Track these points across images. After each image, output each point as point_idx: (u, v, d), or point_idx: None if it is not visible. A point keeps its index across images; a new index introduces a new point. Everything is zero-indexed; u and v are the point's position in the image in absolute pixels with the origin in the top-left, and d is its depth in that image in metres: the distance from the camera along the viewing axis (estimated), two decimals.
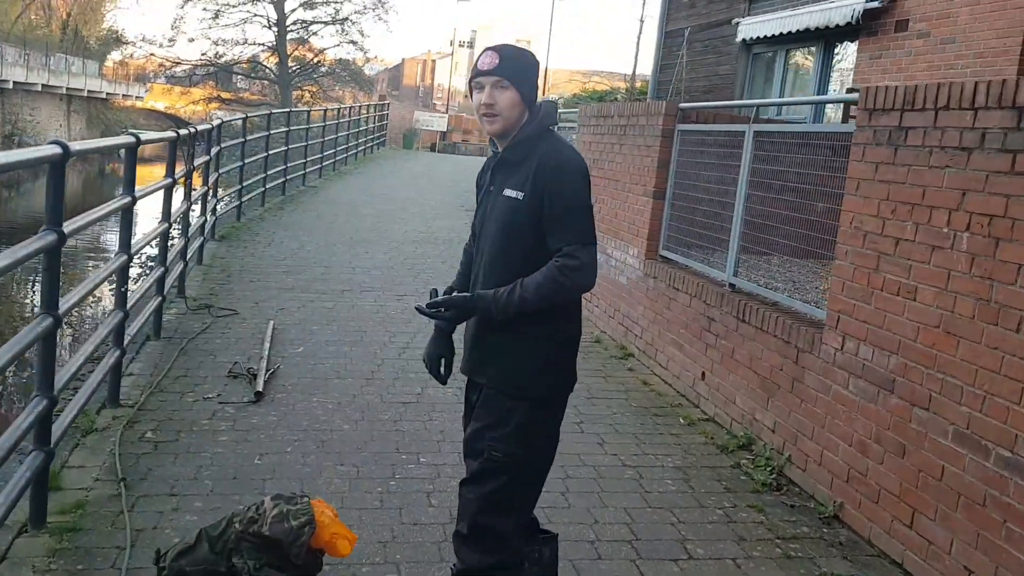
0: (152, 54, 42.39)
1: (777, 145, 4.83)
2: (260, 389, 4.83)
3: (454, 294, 2.43)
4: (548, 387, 2.40)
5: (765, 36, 10.03)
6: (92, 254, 18.39)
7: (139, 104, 49.63)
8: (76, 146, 3.26)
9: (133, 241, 4.62)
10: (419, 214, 13.28)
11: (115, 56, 49.09)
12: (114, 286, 4.67)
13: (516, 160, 2.39)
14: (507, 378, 2.38)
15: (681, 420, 4.93)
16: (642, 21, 24.52)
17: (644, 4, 21.93)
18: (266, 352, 5.52)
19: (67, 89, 37.59)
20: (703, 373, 5.13)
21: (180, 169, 6.61)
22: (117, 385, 4.57)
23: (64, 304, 3.25)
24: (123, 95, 47.42)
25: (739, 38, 10.54)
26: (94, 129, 40.88)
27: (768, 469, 4.17)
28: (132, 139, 4.37)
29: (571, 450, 4.31)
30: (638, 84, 20.95)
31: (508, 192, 2.37)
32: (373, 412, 4.70)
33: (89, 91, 40.76)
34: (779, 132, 4.94)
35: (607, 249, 6.98)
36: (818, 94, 9.26)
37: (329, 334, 6.28)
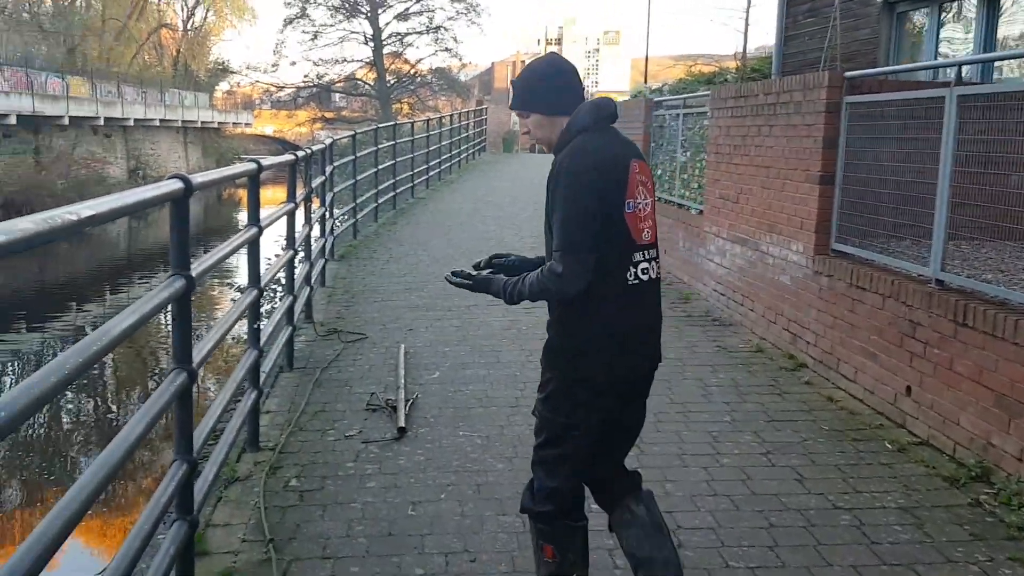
0: (257, 81, 43.76)
1: (991, 110, 4.03)
2: (402, 424, 4.41)
3: (481, 272, 2.66)
4: (575, 369, 2.47)
5: None
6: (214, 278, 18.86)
7: (247, 130, 51.52)
8: (198, 179, 2.89)
9: (261, 271, 4.28)
10: (531, 219, 12.79)
11: (223, 86, 51.12)
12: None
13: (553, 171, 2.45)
14: (546, 357, 2.58)
15: (888, 445, 4.20)
16: None
17: None
18: (402, 381, 5.11)
19: (182, 122, 39.35)
20: (908, 388, 4.38)
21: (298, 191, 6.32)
22: (256, 427, 4.24)
23: (198, 355, 2.88)
24: (232, 123, 49.34)
25: None
26: (209, 157, 42.63)
27: (1020, 508, 3.41)
28: (254, 166, 4.02)
29: (765, 489, 3.68)
30: (749, 62, 19.83)
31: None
32: (526, 447, 4.15)
33: (202, 122, 42.60)
34: (994, 94, 4.13)
35: (760, 246, 6.27)
36: (985, 52, 8.19)
37: (463, 356, 5.83)
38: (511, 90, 2.58)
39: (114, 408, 9.78)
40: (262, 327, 4.28)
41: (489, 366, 5.54)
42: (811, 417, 4.60)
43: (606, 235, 2.35)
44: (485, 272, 2.66)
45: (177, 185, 2.65)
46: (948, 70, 8.25)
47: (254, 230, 4.03)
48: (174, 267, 2.73)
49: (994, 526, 3.34)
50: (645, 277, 2.44)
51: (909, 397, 4.36)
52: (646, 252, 2.44)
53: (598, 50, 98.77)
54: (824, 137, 5.32)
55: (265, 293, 10.23)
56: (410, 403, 4.75)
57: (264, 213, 4.34)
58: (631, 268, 2.41)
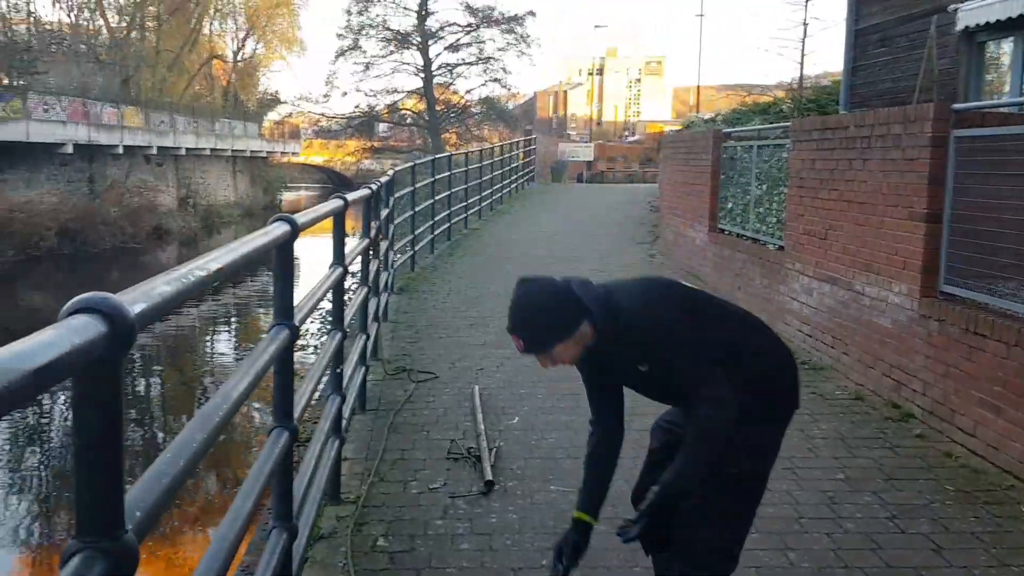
0: (309, 111, 44.31)
1: None
2: (490, 477, 4.14)
3: (643, 508, 2.38)
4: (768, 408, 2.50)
5: (995, 21, 8.66)
6: (257, 301, 18.89)
7: (294, 159, 52.21)
8: (301, 219, 2.70)
9: (344, 313, 4.08)
10: (589, 250, 12.56)
11: (272, 116, 51.99)
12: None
13: (614, 350, 2.41)
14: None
15: None
16: (806, 24, 22.83)
17: (807, 5, 20.33)
18: (481, 428, 4.86)
19: (232, 151, 39.95)
20: None
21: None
22: (338, 477, 4.02)
23: (297, 410, 2.66)
24: (280, 152, 50.05)
25: (959, 27, 9.19)
26: (256, 186, 43.19)
27: None
28: (341, 203, 3.84)
29: (902, 561, 3.34)
30: (805, 93, 19.45)
31: (640, 367, 2.41)
32: (626, 505, 3.88)
33: (251, 151, 43.21)
34: None
35: (854, 285, 5.92)
36: None
37: (540, 399, 5.56)
38: (519, 340, 2.38)
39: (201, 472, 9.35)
40: (343, 370, 4.07)
41: (570, 411, 5.26)
42: (932, 475, 4.23)
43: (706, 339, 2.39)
44: (645, 506, 2.38)
45: (285, 228, 2.44)
46: None
47: (340, 270, 3.84)
48: (277, 316, 2.53)
49: None
50: None
51: None
52: None
53: (639, 80, 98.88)
54: (930, 173, 5.00)
55: (322, 325, 10.01)
56: (494, 452, 4.49)
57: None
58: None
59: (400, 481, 4.19)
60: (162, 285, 1.42)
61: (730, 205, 9.20)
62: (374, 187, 5.70)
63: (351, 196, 4.22)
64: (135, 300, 1.21)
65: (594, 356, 2.44)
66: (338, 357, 3.93)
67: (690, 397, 2.31)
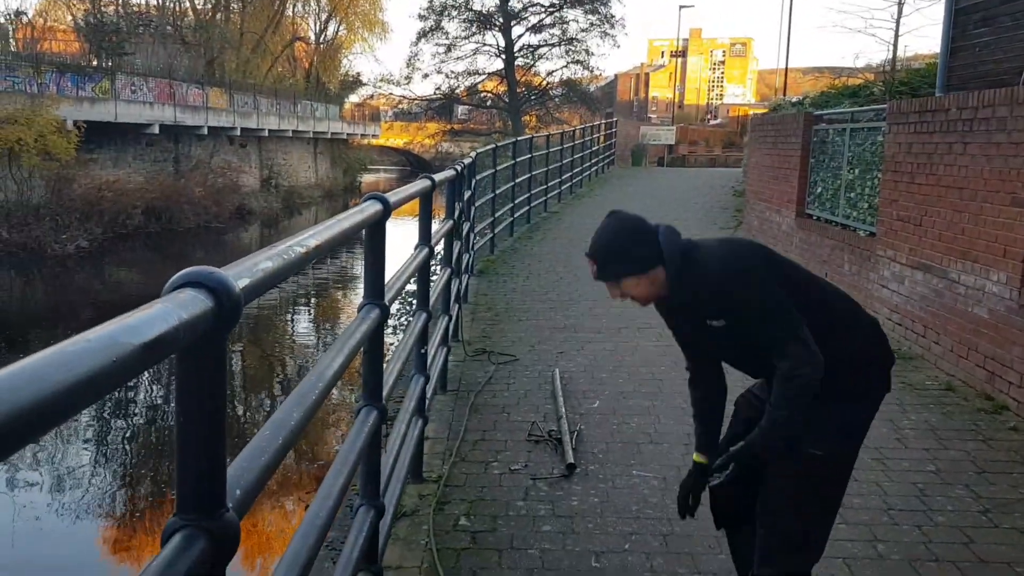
0: (390, 93, 44.70)
1: None
2: (571, 460, 4.18)
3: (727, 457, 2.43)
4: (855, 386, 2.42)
5: None
6: (336, 283, 19.34)
7: (374, 141, 52.90)
8: (393, 198, 2.75)
9: (430, 293, 4.16)
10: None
11: (353, 98, 52.64)
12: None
13: (688, 301, 2.39)
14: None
15: None
16: (901, 2, 21.86)
17: None
18: (562, 411, 4.89)
19: (313, 133, 40.64)
20: None
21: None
22: (420, 456, 4.11)
23: (385, 389, 2.74)
24: (360, 134, 50.70)
25: None
26: (337, 168, 43.94)
27: None
28: (429, 183, 3.91)
29: (996, 555, 3.23)
30: (898, 75, 18.66)
31: (712, 323, 2.37)
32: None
33: (332, 133, 43.80)
34: None
35: (949, 273, 5.70)
36: None
37: (621, 383, 5.56)
38: (593, 263, 2.42)
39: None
40: (428, 351, 4.16)
41: (652, 396, 5.25)
42: None
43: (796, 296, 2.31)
44: (727, 457, 2.43)
45: (377, 207, 2.50)
46: None
47: (426, 251, 3.91)
48: (368, 295, 2.60)
49: None
50: None
51: None
52: None
53: (723, 62, 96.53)
54: None
55: (402, 306, 10.19)
56: (575, 435, 4.53)
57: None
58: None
59: (481, 461, 4.26)
60: (265, 261, 1.46)
61: (819, 190, 8.95)
62: (459, 168, 5.76)
63: (438, 177, 4.29)
64: (240, 275, 1.20)
65: (673, 307, 2.47)
66: (423, 338, 4.02)
67: (775, 354, 2.23)
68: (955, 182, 5.68)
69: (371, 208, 2.48)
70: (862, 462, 4.15)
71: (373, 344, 2.62)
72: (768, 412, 2.27)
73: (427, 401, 4.29)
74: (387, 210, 2.57)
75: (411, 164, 52.50)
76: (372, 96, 49.02)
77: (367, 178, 49.86)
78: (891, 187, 6.73)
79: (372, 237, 2.62)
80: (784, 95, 25.27)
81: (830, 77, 22.81)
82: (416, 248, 3.95)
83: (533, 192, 14.01)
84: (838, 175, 8.26)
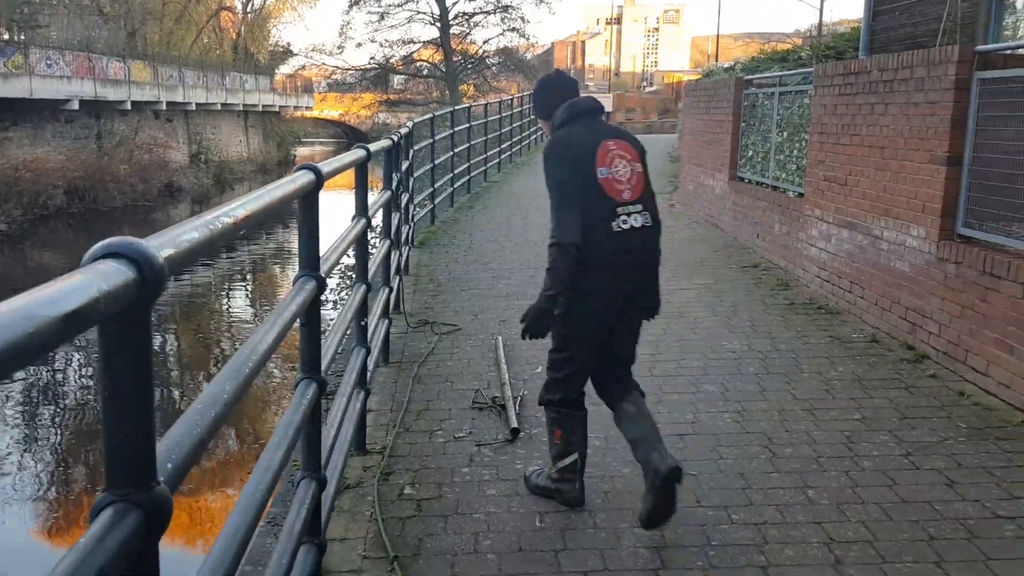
0: (323, 63, 43.75)
1: None
2: (515, 425, 4.25)
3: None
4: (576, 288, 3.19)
5: None
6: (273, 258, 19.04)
7: (308, 114, 51.74)
8: (325, 168, 2.74)
9: (368, 265, 4.15)
10: None
11: (284, 69, 51.28)
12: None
13: None
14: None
15: None
16: None
17: None
18: (506, 377, 4.95)
19: (243, 106, 39.41)
20: None
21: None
22: (363, 428, 4.13)
23: (324, 362, 2.74)
24: (293, 106, 49.46)
25: None
26: (270, 141, 42.86)
27: None
28: (364, 153, 3.89)
29: (917, 496, 3.41)
30: (824, 40, 19.05)
31: None
32: (614, 453, 3.97)
33: (263, 106, 42.54)
34: None
35: (873, 230, 5.91)
36: None
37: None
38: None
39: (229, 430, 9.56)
40: (368, 323, 4.16)
41: None
42: (945, 414, 4.29)
43: (587, 196, 3.14)
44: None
45: (310, 177, 2.48)
46: None
47: (363, 222, 3.90)
48: (303, 267, 2.59)
49: None
50: (627, 226, 3.16)
51: None
52: (630, 206, 3.20)
53: (657, 29, 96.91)
54: (952, 116, 4.95)
55: (341, 281, 10.10)
56: (518, 401, 4.60)
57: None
58: (615, 219, 3.15)
59: (425, 431, 4.30)
60: (190, 231, 1.44)
61: (750, 153, 9.14)
62: (395, 138, 5.72)
63: (374, 147, 4.26)
64: (163, 245, 1.17)
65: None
66: (362, 310, 4.02)
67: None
68: (877, 142, 5.88)
69: (303, 178, 2.46)
70: (793, 413, 4.34)
71: (310, 316, 2.61)
72: (546, 273, 3.15)
73: (369, 373, 4.30)
74: (319, 180, 2.55)
75: (347, 136, 51.54)
76: (304, 67, 47.85)
77: (302, 151, 48.82)
78: (817, 148, 6.92)
79: (305, 208, 2.61)
80: (716, 61, 25.55)
81: (760, 43, 23.14)
82: (353, 219, 3.93)
83: (473, 162, 13.98)
84: (768, 138, 8.44)
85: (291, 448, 2.24)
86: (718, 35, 29.68)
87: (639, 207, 3.21)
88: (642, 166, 3.30)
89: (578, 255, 3.08)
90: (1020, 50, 5.55)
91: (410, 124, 8.96)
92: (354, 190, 4.04)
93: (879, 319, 5.80)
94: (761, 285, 7.31)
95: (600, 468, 3.78)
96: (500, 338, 5.77)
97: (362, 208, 3.97)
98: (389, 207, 5.48)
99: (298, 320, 2.56)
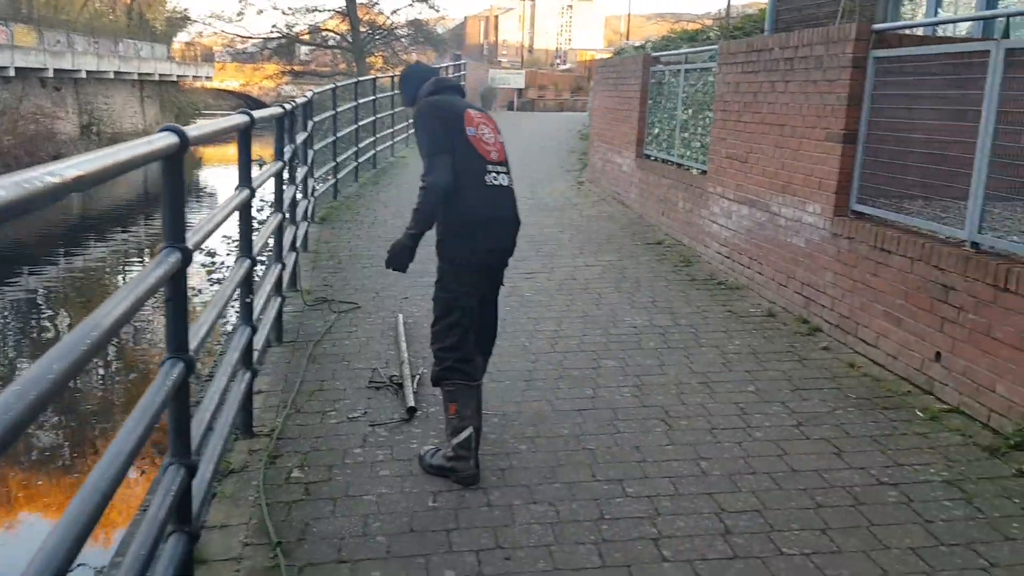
0: (222, 31, 42.05)
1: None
2: (412, 403, 4.12)
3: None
4: (449, 252, 3.44)
5: None
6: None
7: (208, 84, 49.71)
8: (193, 132, 2.53)
9: (253, 239, 3.93)
10: (520, 180, 12.42)
11: (182, 37, 49.14)
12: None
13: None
14: (436, 251, 3.53)
15: (919, 413, 4.01)
16: None
17: None
18: (405, 355, 4.81)
19: (139, 74, 37.50)
20: (937, 354, 4.17)
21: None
22: (249, 411, 3.92)
23: (195, 341, 2.55)
24: (192, 76, 47.30)
25: None
26: (167, 112, 40.95)
27: None
28: (247, 119, 3.65)
29: (804, 465, 3.47)
30: (732, 21, 19.41)
31: None
32: (547, 425, 3.93)
33: (160, 75, 40.51)
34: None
35: (771, 207, 6.01)
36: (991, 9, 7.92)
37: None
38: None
39: (90, 407, 9.10)
40: (254, 301, 3.94)
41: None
42: (836, 385, 4.39)
43: (458, 149, 3.31)
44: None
45: (171, 139, 2.27)
46: (956, 27, 7.96)
47: (246, 192, 3.68)
48: (167, 239, 2.38)
49: None
50: (497, 183, 3.38)
51: (938, 363, 4.16)
52: (497, 167, 3.41)
53: (571, 7, 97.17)
54: (849, 94, 5.03)
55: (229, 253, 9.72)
56: (416, 379, 4.46)
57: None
58: (486, 174, 3.35)
59: (318, 412, 4.13)
60: None
61: (657, 131, 9.19)
62: (287, 107, 5.45)
63: (259, 113, 4.02)
64: None
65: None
66: (247, 286, 3.81)
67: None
68: (777, 119, 5.96)
69: (163, 140, 2.25)
70: (690, 386, 4.36)
71: (174, 292, 2.41)
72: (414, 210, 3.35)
73: (257, 353, 4.10)
74: (184, 144, 2.34)
75: (250, 108, 49.74)
76: (202, 34, 45.87)
77: (202, 123, 46.86)
78: (720, 126, 6.98)
79: (168, 173, 2.39)
80: (628, 40, 25.76)
81: (671, 22, 23.43)
82: (236, 190, 3.70)
83: (379, 136, 13.65)
84: (674, 116, 8.50)
85: (148, 432, 2.06)
86: (629, 14, 29.96)
87: (505, 169, 3.45)
88: (502, 138, 3.56)
89: (446, 198, 3.28)
90: (917, 29, 5.72)
91: (309, 94, 8.65)
92: (237, 158, 3.82)
93: (776, 294, 5.91)
94: (665, 261, 7.37)
95: (496, 445, 3.70)
96: (401, 316, 5.62)
97: (245, 178, 3.74)
98: (281, 179, 5.23)
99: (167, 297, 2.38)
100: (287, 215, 5.28)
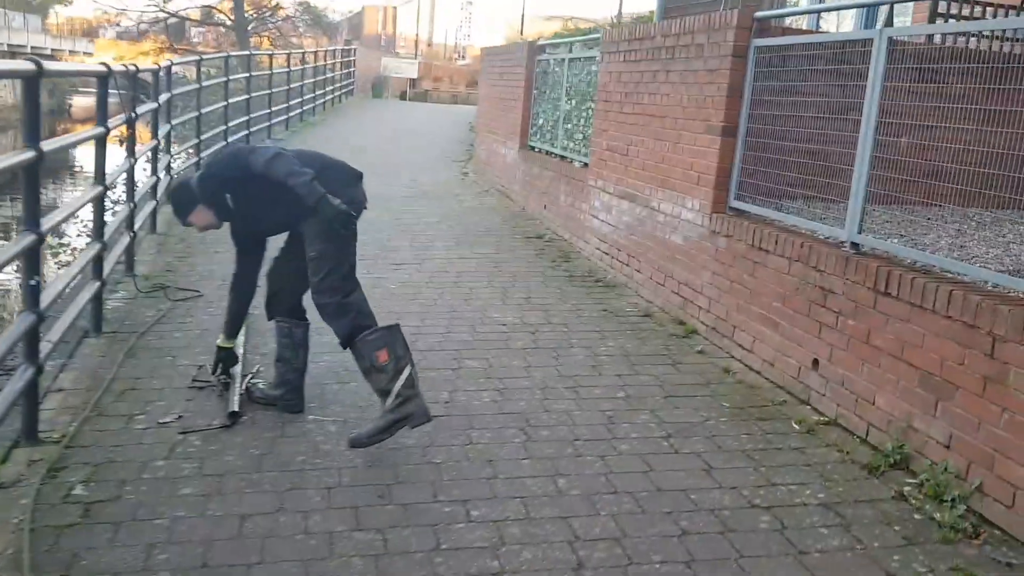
0: (100, 9, 39.60)
1: (926, 55, 3.58)
2: (235, 408, 3.56)
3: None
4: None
5: None
6: None
7: (87, 59, 46.79)
8: (51, 66, 2.02)
9: (38, 208, 3.29)
10: (403, 167, 11.90)
11: (61, 10, 46.18)
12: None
13: (222, 209, 3.54)
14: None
15: (795, 426, 3.75)
16: None
17: None
18: (240, 351, 4.23)
19: (8, 46, 35.05)
20: (815, 361, 3.95)
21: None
22: (34, 413, 3.28)
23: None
24: (69, 51, 44.75)
25: None
26: (42, 88, 38.20)
27: (949, 504, 3.01)
28: (31, 67, 3.02)
29: (673, 483, 3.13)
30: (625, 21, 19.46)
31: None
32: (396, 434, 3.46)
33: (32, 47, 38.18)
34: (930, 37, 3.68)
35: (650, 202, 5.74)
36: None
37: (315, 318, 4.97)
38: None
39: None
40: (42, 283, 3.30)
41: None
42: (709, 392, 4.11)
43: None
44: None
45: (30, 66, 1.69)
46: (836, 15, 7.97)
47: (32, 155, 3.04)
48: (27, 140, 1.79)
49: (926, 526, 2.92)
50: None
51: (816, 371, 3.94)
52: None
53: (471, 2, 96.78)
54: (729, 84, 4.79)
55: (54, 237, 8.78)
56: (248, 379, 3.90)
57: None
58: None
59: (124, 415, 3.52)
60: None
61: (541, 122, 8.86)
62: (113, 67, 4.74)
63: (53, 65, 3.38)
64: None
65: (231, 226, 3.55)
66: (31, 264, 3.17)
67: (276, 181, 3.21)
68: (658, 111, 5.69)
69: (22, 65, 1.75)
70: (556, 391, 3.99)
71: (30, 179, 1.84)
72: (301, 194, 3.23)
73: (49, 344, 3.46)
74: (40, 72, 1.93)
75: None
76: (82, 10, 43.04)
77: (81, 101, 43.96)
78: (602, 117, 6.69)
79: (28, 92, 1.91)
80: (521, 35, 25.55)
81: (566, 20, 23.36)
82: (19, 149, 3.05)
83: (253, 116, 12.78)
84: (558, 106, 8.18)
85: None
86: (524, 10, 29.86)
87: None
88: None
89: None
90: (801, 23, 5.56)
91: (166, 63, 7.86)
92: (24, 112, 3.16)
93: (653, 293, 5.64)
94: (543, 256, 7.02)
95: (329, 458, 3.21)
96: None
97: (31, 137, 3.09)
98: (103, 148, 4.54)
99: None
100: (107, 187, 4.59)
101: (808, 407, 3.94)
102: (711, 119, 4.97)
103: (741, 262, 4.58)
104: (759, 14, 4.79)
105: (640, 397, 3.96)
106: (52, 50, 42.22)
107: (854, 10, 7.96)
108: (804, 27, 7.23)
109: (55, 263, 11.44)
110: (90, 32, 51.14)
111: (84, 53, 46.85)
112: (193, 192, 3.42)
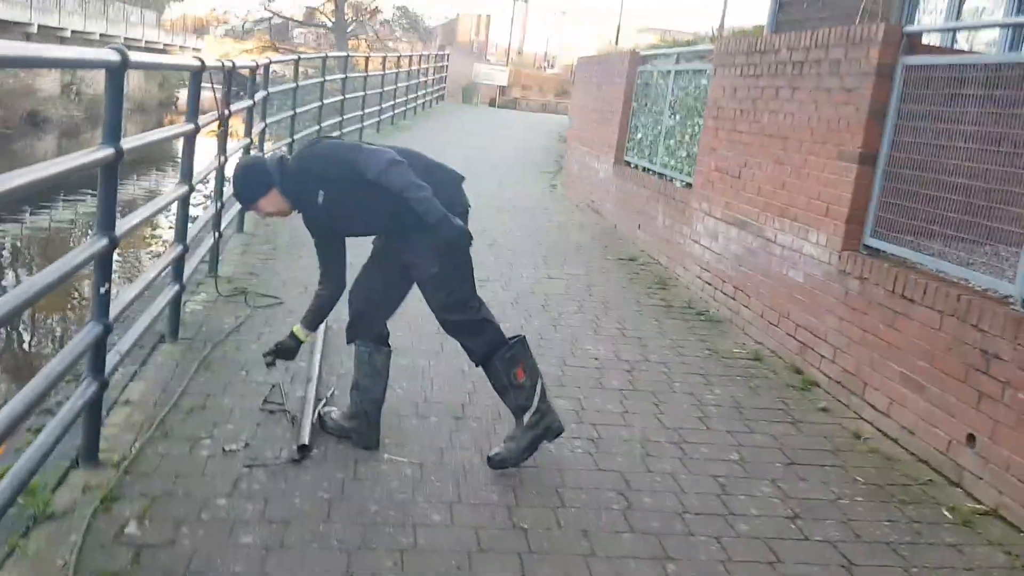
0: (212, 8, 41.23)
1: None
2: (306, 441, 3.24)
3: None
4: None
5: None
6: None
7: (195, 55, 48.58)
8: (136, 57, 1.91)
9: (116, 210, 3.04)
10: (491, 176, 11.61)
11: (178, 8, 48.33)
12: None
13: (304, 204, 3.24)
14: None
15: (947, 514, 3.19)
16: None
17: None
18: (315, 371, 3.93)
19: (125, 39, 36.54)
20: (970, 436, 3.38)
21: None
22: (96, 431, 3.02)
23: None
24: (180, 46, 46.56)
25: None
26: (151, 81, 39.66)
27: None
28: (198, 63, 2.81)
29: (801, 574, 2.64)
30: (729, 34, 18.76)
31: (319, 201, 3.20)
32: (470, 488, 3.06)
33: (147, 41, 39.87)
34: None
35: (765, 232, 5.22)
36: None
37: (399, 337, 4.62)
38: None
39: None
40: (113, 292, 3.03)
41: (431, 355, 4.40)
42: (839, 461, 3.58)
43: None
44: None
45: (115, 56, 1.95)
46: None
47: (109, 151, 2.78)
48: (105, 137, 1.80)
49: None
50: None
51: (971, 449, 3.37)
52: None
53: (565, 12, 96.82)
54: (870, 107, 4.25)
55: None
56: (321, 404, 3.58)
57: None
58: None
59: (190, 438, 3.25)
60: None
61: (639, 136, 8.40)
62: (206, 61, 4.52)
63: (138, 56, 3.12)
64: None
65: (306, 217, 3.19)
66: (102, 271, 2.91)
67: (387, 190, 2.94)
68: (779, 131, 5.17)
69: (106, 54, 1.61)
70: (659, 446, 3.54)
71: (107, 178, 1.53)
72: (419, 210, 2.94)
73: (118, 356, 3.22)
74: (125, 62, 1.84)
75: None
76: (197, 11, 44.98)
77: (185, 94, 45.63)
78: (711, 135, 6.19)
79: (111, 83, 1.52)
80: (616, 44, 25.06)
81: (661, 33, 22.80)
82: (99, 146, 2.80)
83: (346, 117, 12.73)
84: (659, 121, 7.70)
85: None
86: (620, 16, 29.29)
87: None
88: None
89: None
90: (957, 32, 4.96)
91: (263, 60, 7.74)
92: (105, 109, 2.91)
93: (764, 333, 5.11)
94: (637, 281, 6.56)
95: (404, 510, 2.83)
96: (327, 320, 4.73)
97: (110, 135, 2.83)
98: (192, 145, 4.32)
99: None
100: (192, 187, 4.37)
101: (960, 490, 3.37)
102: (845, 144, 4.44)
103: (878, 310, 4.03)
104: (909, 28, 4.24)
105: (757, 462, 3.46)
106: (164, 45, 44.01)
107: (997, 31, 7.24)
108: (936, 43, 6.59)
109: (146, 252, 11.55)
110: (200, 29, 53.37)
111: (193, 48, 48.68)
112: (270, 176, 3.09)
